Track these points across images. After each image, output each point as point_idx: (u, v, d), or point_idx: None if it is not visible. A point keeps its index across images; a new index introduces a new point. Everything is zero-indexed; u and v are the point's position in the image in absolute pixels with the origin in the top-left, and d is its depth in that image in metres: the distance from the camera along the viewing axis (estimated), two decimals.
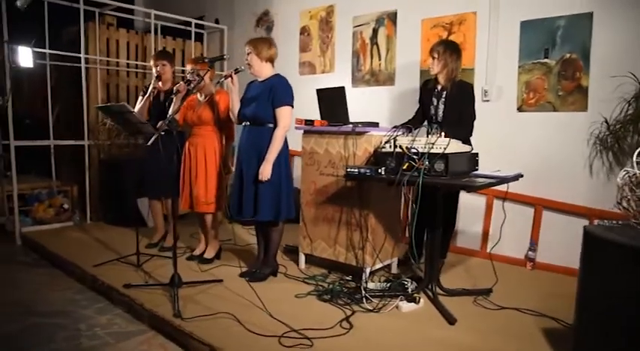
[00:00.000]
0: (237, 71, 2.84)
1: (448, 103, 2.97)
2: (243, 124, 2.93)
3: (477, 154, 2.72)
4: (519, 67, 3.44)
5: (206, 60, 2.71)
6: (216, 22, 5.70)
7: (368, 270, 2.91)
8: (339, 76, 4.57)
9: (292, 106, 2.83)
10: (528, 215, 3.47)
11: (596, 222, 2.93)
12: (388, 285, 2.83)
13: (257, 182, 2.80)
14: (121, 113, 2.90)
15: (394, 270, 3.20)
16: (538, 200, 3.39)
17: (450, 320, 2.40)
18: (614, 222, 2.73)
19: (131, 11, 5.56)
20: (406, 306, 2.56)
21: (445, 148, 2.42)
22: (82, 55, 4.40)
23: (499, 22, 3.53)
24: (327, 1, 4.66)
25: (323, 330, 2.25)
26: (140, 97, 3.54)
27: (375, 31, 4.31)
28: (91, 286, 2.99)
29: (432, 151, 2.46)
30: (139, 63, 5.10)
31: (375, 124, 2.95)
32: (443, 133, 2.48)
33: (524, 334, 2.29)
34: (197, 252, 3.44)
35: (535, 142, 3.40)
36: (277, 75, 2.91)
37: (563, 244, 3.31)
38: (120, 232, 4.17)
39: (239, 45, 5.53)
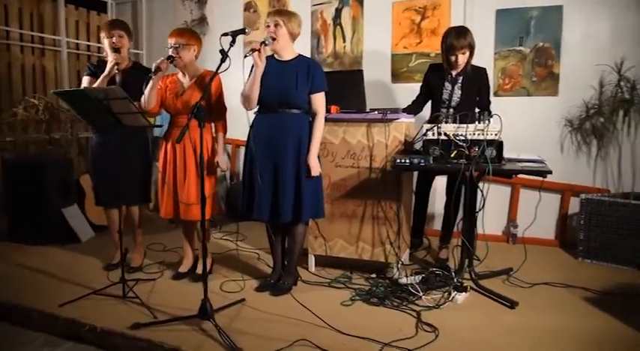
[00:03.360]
0: (265, 44, 2.36)
1: (465, 88, 2.93)
2: (266, 109, 2.47)
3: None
4: (495, 53, 3.60)
5: (228, 33, 2.18)
6: None
7: (400, 264, 2.76)
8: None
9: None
10: (505, 194, 3.70)
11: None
12: (421, 278, 2.72)
13: (299, 178, 2.41)
14: (99, 100, 2.19)
15: (406, 261, 3.11)
16: (515, 179, 3.61)
17: (512, 304, 2.40)
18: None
19: None
20: (460, 297, 2.49)
21: (497, 134, 2.39)
22: None
23: (474, 10, 3.62)
24: None
25: (409, 339, 2.05)
26: (87, 78, 2.74)
27: (338, 11, 4.07)
28: (67, 334, 2.22)
29: (479, 137, 2.41)
30: (35, 34, 3.98)
31: (395, 111, 2.77)
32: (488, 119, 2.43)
33: (576, 307, 2.42)
34: (184, 268, 2.86)
35: (510, 125, 3.58)
36: (303, 56, 2.52)
37: (539, 218, 3.60)
38: (47, 253, 3.25)
39: (159, 21, 4.74)
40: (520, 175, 3.51)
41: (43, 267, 2.95)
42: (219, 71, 2.10)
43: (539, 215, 3.56)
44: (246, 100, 2.45)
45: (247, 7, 4.39)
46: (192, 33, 2.61)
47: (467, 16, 3.64)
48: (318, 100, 2.43)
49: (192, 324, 2.15)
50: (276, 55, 2.49)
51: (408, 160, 2.42)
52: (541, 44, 3.48)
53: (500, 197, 3.70)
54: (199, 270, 2.81)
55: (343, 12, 4.05)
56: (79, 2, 4.37)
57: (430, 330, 2.13)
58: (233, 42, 2.18)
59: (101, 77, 2.61)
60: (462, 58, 2.84)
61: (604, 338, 2.07)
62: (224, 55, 2.10)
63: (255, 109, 2.53)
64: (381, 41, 3.94)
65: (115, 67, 2.61)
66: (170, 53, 2.51)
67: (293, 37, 2.46)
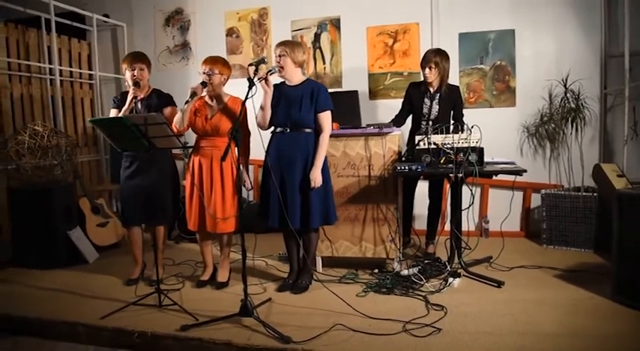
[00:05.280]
0: (271, 73, 2.69)
1: (442, 103, 3.38)
2: (278, 129, 2.79)
3: None
4: (460, 71, 4.12)
5: (252, 63, 2.48)
6: (106, 17, 4.90)
7: (400, 259, 3.14)
8: (278, 79, 4.54)
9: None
10: (476, 194, 4.19)
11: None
12: (418, 268, 3.11)
13: (305, 189, 2.72)
14: (137, 126, 2.41)
15: (400, 257, 3.48)
16: (484, 181, 4.12)
17: (499, 284, 2.84)
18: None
19: None
20: (456, 282, 2.90)
21: (478, 142, 2.85)
22: None
23: (440, 33, 4.13)
24: (257, 3, 4.58)
25: (424, 317, 2.41)
26: (114, 110, 2.98)
27: (317, 36, 4.45)
28: (116, 342, 2.38)
29: (462, 145, 2.86)
30: (22, 62, 4.05)
31: (388, 125, 3.17)
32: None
33: (550, 282, 2.90)
34: (205, 277, 3.08)
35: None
36: (311, 79, 2.86)
37: (506, 213, 4.13)
38: (61, 275, 3.33)
39: (140, 47, 4.87)
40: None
41: (63, 287, 3.05)
42: (248, 97, 2.39)
43: (506, 210, 4.10)
44: (259, 122, 2.77)
45: (229, 33, 4.67)
46: (224, 62, 2.86)
47: (434, 40, 4.14)
48: (323, 118, 2.76)
49: (234, 322, 2.40)
50: (286, 81, 2.83)
51: (406, 167, 2.81)
52: (498, 62, 4.04)
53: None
54: (219, 278, 3.04)
55: (322, 36, 4.44)
56: (60, 30, 4.46)
57: (439, 308, 2.52)
58: (256, 71, 2.49)
59: (123, 109, 2.84)
60: (428, 72, 3.28)
61: (577, 302, 2.55)
62: (251, 82, 2.40)
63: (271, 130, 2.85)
64: (358, 62, 4.36)
65: (134, 100, 2.84)
66: (203, 79, 2.77)
67: (298, 64, 2.79)
